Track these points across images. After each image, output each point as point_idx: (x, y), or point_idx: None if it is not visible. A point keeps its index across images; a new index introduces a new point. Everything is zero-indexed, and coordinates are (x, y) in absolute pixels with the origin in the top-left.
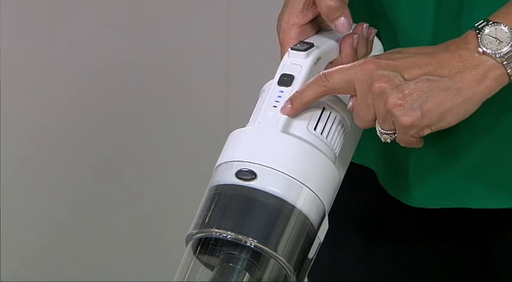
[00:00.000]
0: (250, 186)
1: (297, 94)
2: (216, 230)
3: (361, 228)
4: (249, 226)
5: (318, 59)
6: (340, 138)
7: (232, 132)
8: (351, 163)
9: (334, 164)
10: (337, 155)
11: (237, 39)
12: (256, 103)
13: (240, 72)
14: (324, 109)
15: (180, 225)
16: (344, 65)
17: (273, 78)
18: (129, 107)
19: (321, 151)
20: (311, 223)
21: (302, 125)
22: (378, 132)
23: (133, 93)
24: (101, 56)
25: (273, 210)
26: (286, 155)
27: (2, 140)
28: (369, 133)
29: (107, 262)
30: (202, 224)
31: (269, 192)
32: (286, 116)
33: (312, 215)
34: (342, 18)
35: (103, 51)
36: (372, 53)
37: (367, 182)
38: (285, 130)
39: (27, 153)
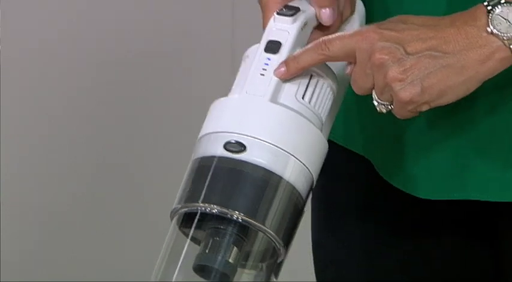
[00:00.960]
0: (239, 158)
1: (294, 58)
2: (202, 204)
3: (362, 222)
4: (235, 199)
5: (305, 24)
6: (326, 105)
7: (216, 101)
8: (349, 151)
9: (321, 131)
10: (323, 122)
11: (241, 35)
12: (239, 71)
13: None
14: (311, 76)
15: None
16: (344, 33)
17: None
18: (130, 106)
19: (309, 120)
20: (299, 193)
21: (290, 94)
22: (375, 102)
23: (134, 92)
24: (101, 53)
25: (261, 182)
26: (276, 126)
27: (2, 139)
28: (370, 125)
29: (107, 262)
30: (189, 198)
31: (257, 164)
32: (274, 85)
33: (300, 185)
34: (330, 9)
35: (103, 49)
36: (355, 15)
37: (367, 171)
38: (274, 99)
39: (26, 153)
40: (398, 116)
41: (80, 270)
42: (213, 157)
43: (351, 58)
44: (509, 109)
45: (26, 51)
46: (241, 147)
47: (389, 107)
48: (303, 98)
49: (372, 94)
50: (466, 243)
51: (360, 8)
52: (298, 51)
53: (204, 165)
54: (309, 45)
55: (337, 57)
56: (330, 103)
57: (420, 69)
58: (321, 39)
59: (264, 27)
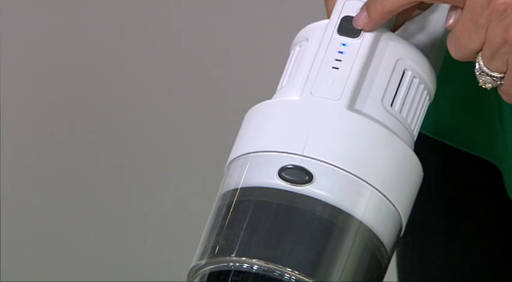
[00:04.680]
0: (298, 191)
1: None
2: (236, 258)
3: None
4: (286, 250)
5: None
6: (421, 116)
7: (260, 106)
8: (473, 157)
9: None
10: (415, 138)
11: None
12: (289, 59)
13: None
14: (404, 72)
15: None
16: None
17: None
18: (130, 107)
19: (400, 137)
20: (379, 240)
21: (375, 99)
22: (477, 70)
23: (133, 92)
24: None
25: (323, 225)
26: (357, 147)
27: (2, 139)
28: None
29: (107, 262)
30: (217, 251)
31: (319, 198)
32: (353, 85)
33: (381, 228)
34: None
35: (102, 49)
36: None
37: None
38: (352, 105)
39: (27, 154)
40: (506, 98)
41: (81, 270)
42: (258, 188)
43: (457, 0)
44: None
45: (25, 49)
46: (306, 176)
47: (498, 82)
48: (391, 105)
49: (475, 60)
50: None
51: None
52: None
53: (243, 201)
54: None
55: None
56: (425, 112)
57: None
58: None
59: (328, 4)
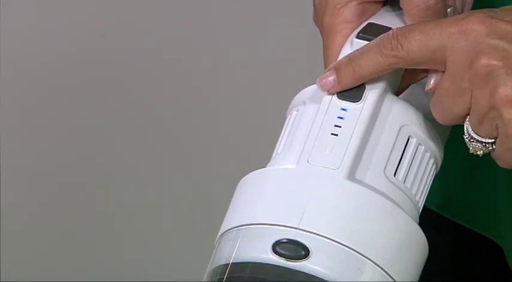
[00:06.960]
0: (296, 268)
1: (349, 61)
2: None
3: None
4: None
5: None
6: (427, 185)
7: (253, 175)
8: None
9: (418, 223)
10: (420, 210)
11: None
12: (285, 124)
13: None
14: (408, 140)
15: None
16: (430, 22)
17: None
18: (127, 107)
19: (404, 210)
20: None
21: (377, 168)
22: (467, 136)
23: (133, 92)
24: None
25: None
26: (358, 220)
27: (2, 140)
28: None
29: (107, 263)
30: None
31: (316, 274)
32: (354, 153)
33: None
34: None
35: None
36: None
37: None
38: (352, 175)
39: (29, 153)
40: (501, 163)
41: (81, 270)
42: (251, 264)
43: (437, 63)
44: None
45: (22, 47)
46: (302, 250)
47: (490, 148)
48: (395, 174)
49: (463, 124)
50: None
51: None
52: (355, 50)
53: (234, 277)
54: (374, 41)
55: (416, 62)
56: (431, 182)
57: None
58: (391, 31)
59: (326, 60)
